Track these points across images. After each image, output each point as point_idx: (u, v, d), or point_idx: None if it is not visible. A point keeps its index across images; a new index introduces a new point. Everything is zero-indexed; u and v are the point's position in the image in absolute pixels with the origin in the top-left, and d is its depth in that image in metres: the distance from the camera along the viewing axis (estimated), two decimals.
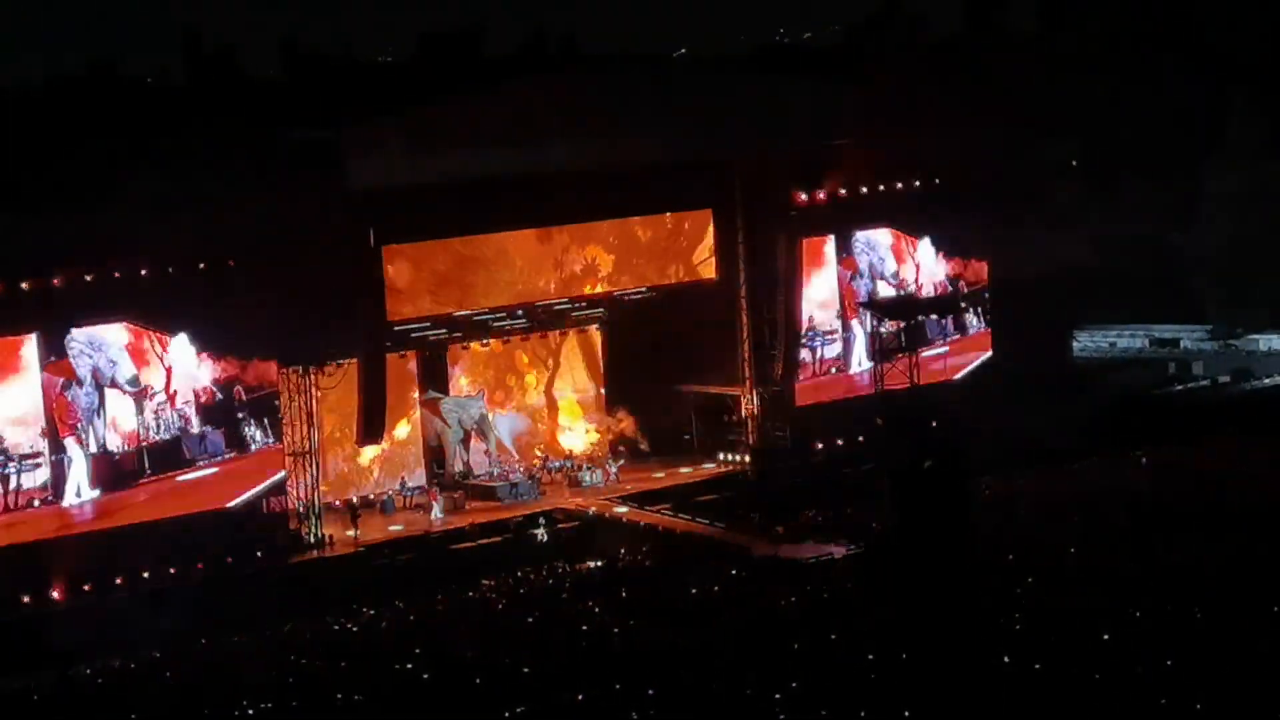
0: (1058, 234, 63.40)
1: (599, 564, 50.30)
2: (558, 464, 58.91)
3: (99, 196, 47.52)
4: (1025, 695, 34.26)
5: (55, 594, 46.83)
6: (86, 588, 47.11)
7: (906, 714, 33.83)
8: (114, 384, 48.24)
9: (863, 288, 59.87)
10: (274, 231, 49.70)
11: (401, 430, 57.13)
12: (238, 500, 50.05)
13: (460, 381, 58.80)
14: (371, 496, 55.92)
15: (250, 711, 37.32)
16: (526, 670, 38.13)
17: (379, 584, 48.62)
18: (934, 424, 43.24)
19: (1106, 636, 37.07)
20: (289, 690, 38.67)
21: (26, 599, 46.42)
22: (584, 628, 41.46)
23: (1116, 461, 56.47)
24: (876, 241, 60.81)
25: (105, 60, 66.30)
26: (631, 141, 54.97)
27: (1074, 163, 67.07)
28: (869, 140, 58.33)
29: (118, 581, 47.54)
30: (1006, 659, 36.02)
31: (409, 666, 39.35)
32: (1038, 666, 35.42)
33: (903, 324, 47.32)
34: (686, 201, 58.49)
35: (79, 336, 47.69)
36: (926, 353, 56.81)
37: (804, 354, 59.21)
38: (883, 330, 48.12)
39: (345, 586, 48.51)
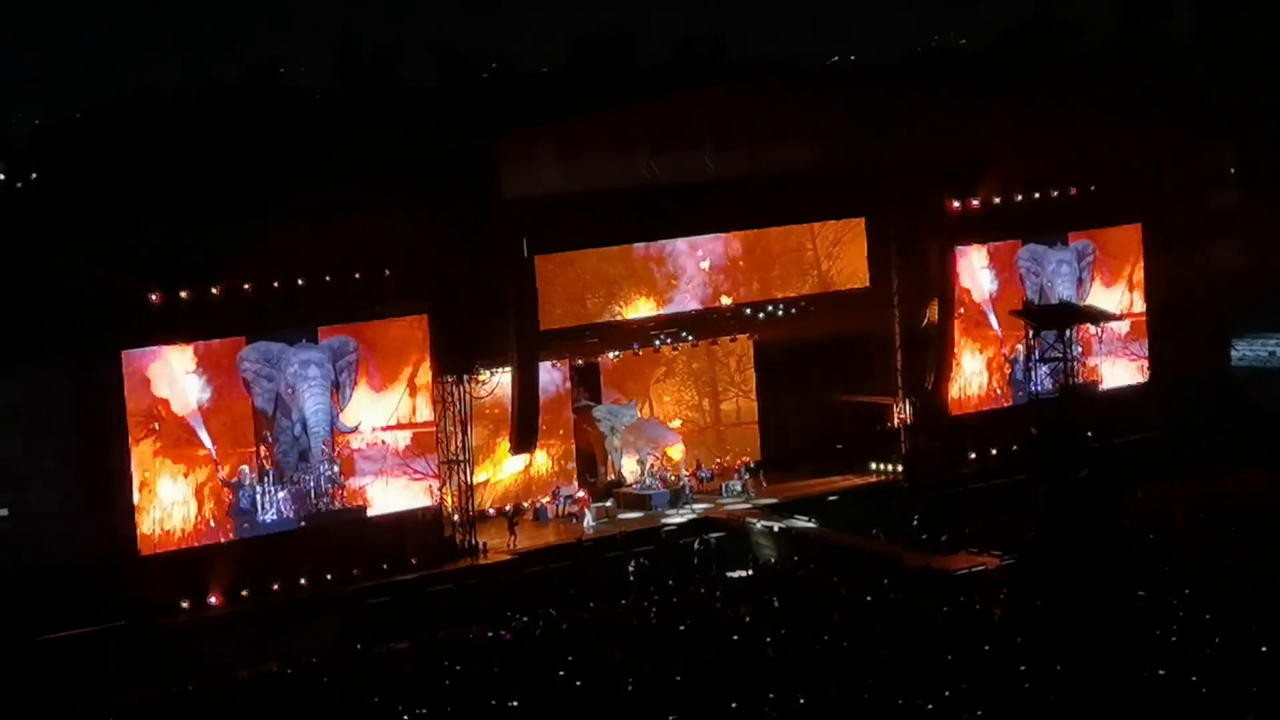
0: (1216, 241, 62.69)
1: (749, 573, 50.28)
2: (708, 473, 58.92)
3: (256, 206, 48.12)
4: (1180, 707, 33.89)
5: (214, 600, 47.48)
6: (244, 594, 47.77)
7: None
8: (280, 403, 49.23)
9: (1018, 296, 59.55)
10: (428, 240, 50.20)
11: (555, 438, 57.38)
12: (395, 508, 50.57)
13: (613, 391, 59.07)
14: (525, 504, 56.20)
15: (405, 717, 37.63)
16: (678, 678, 38.17)
17: (532, 591, 48.87)
18: (1089, 433, 42.84)
19: (1264, 648, 36.61)
20: (444, 696, 38.93)
21: (186, 604, 47.14)
22: (735, 636, 41.45)
23: (1277, 472, 55.63)
24: (1031, 249, 60.45)
25: (264, 68, 67.02)
26: (783, 149, 54.90)
27: (1232, 169, 66.27)
28: (1023, 147, 57.91)
29: (274, 588, 48.20)
30: (1161, 671, 35.65)
31: (561, 674, 39.51)
32: (1193, 679, 35.02)
33: (1058, 332, 46.89)
34: (839, 209, 58.37)
35: (251, 354, 48.67)
36: (1082, 361, 56.41)
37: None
38: (1038, 339, 47.71)
39: (499, 593, 48.84)
